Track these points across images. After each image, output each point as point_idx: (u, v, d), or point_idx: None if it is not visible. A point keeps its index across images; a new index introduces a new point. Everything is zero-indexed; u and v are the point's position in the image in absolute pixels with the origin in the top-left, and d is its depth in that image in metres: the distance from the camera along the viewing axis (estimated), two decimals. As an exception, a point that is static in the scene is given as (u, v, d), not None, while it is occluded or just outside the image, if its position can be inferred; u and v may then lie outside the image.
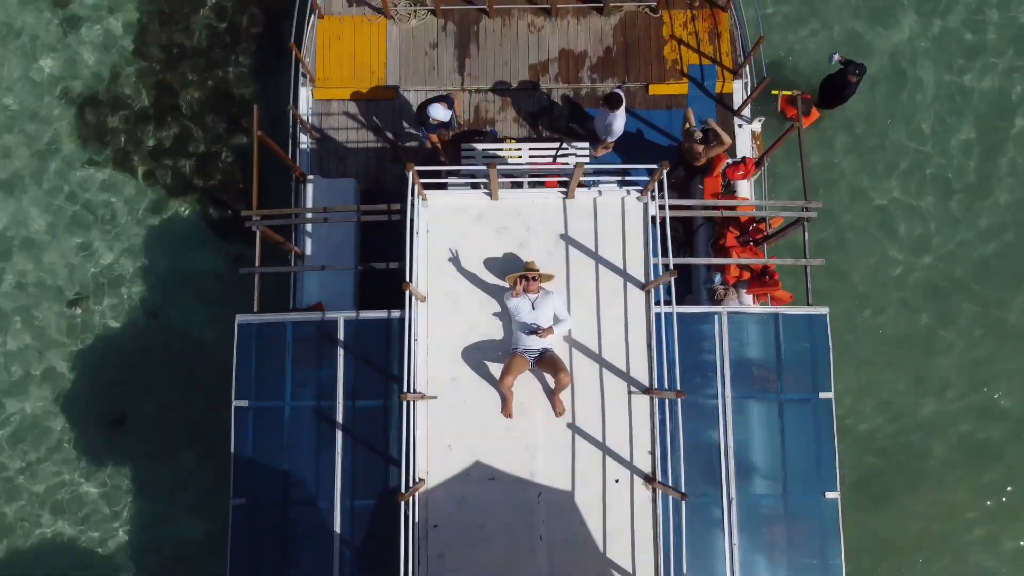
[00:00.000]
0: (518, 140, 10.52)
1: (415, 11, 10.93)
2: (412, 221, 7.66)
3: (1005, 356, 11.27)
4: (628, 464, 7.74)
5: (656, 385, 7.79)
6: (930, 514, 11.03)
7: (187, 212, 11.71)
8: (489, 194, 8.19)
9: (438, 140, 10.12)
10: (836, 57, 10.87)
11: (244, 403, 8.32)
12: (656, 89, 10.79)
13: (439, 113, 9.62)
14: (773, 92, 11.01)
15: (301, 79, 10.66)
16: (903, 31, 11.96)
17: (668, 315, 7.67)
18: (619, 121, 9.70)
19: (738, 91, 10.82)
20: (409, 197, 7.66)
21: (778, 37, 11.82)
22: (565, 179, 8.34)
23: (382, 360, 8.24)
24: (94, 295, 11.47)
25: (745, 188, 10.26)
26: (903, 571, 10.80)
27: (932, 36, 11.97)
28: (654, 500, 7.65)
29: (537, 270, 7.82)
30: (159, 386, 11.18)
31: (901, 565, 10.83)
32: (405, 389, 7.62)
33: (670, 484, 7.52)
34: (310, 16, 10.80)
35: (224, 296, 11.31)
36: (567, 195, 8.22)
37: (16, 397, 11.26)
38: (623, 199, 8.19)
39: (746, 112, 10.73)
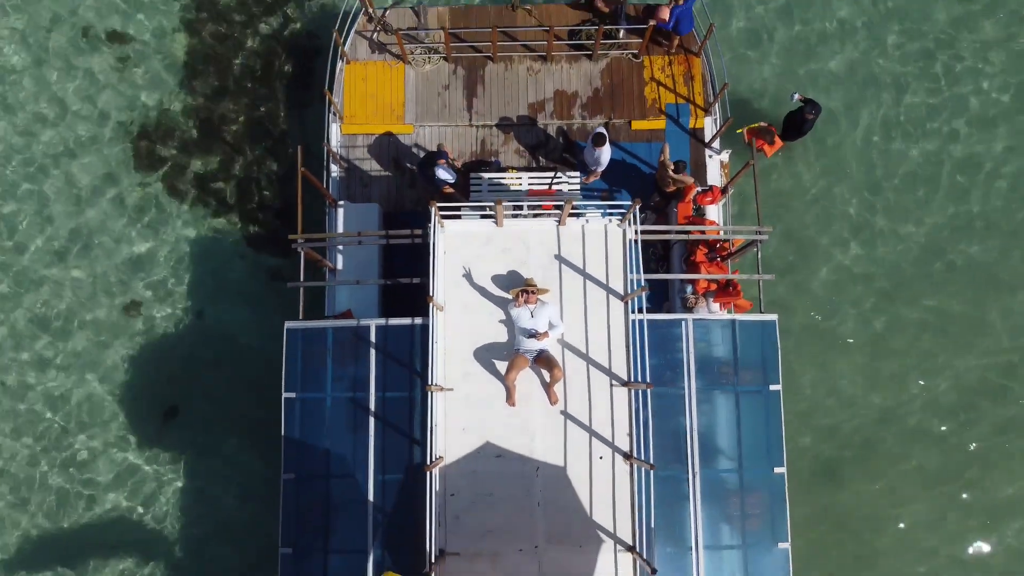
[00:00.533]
0: (519, 169, 12.22)
1: (429, 57, 12.62)
2: (434, 247, 9.37)
3: (948, 355, 12.96)
4: (610, 444, 9.44)
5: (633, 379, 9.50)
6: (878, 496, 12.72)
7: (228, 229, 13.39)
8: (495, 222, 9.90)
9: (449, 189, 11.79)
10: (796, 96, 12.54)
11: (292, 395, 10.02)
12: (638, 125, 12.49)
13: (445, 175, 11.39)
14: (739, 131, 12.70)
15: (331, 117, 12.33)
16: (849, 69, 13.69)
17: (642, 322, 9.41)
18: (604, 155, 11.41)
19: (709, 126, 12.52)
20: (432, 228, 9.37)
21: (745, 77, 13.52)
22: (560, 203, 10.07)
23: (407, 358, 9.94)
24: (149, 301, 13.16)
25: (713, 212, 11.95)
26: (848, 545, 12.50)
27: (877, 78, 13.68)
28: (631, 473, 9.35)
29: (535, 285, 9.53)
30: (208, 381, 12.87)
31: (849, 539, 12.53)
32: (429, 382, 9.32)
33: (643, 459, 9.24)
34: (339, 61, 12.48)
35: (261, 301, 13.00)
36: (560, 222, 9.93)
37: (82, 388, 12.94)
38: (606, 226, 9.91)
39: (716, 144, 12.43)
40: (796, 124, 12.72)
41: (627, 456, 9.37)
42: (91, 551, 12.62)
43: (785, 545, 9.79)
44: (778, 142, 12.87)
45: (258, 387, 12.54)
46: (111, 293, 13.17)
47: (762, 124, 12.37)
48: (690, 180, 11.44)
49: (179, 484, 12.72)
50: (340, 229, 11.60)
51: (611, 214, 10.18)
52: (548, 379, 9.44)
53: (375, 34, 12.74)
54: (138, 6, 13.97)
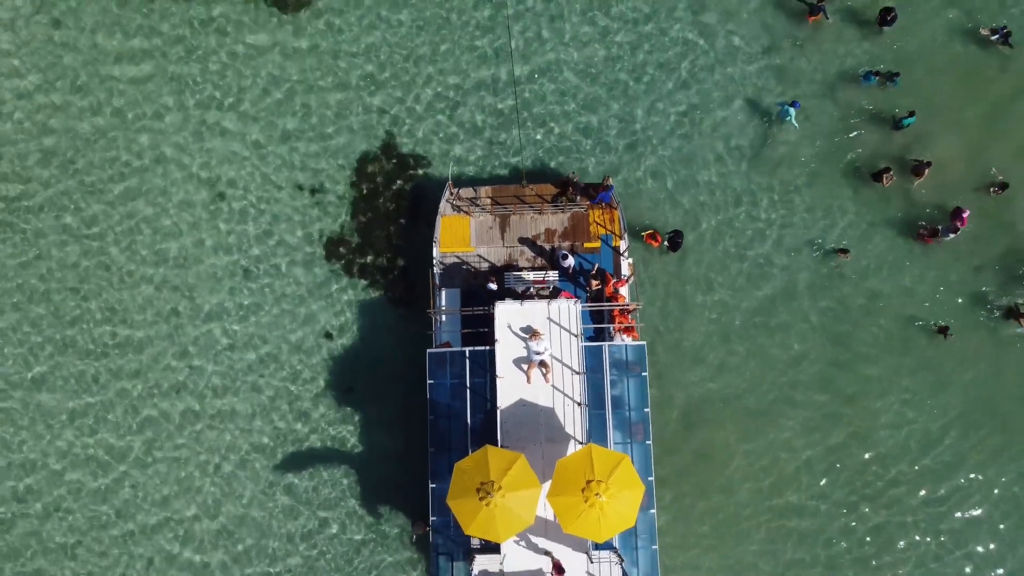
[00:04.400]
0: (528, 268, 24.67)
1: (481, 212, 25.10)
2: (494, 321, 21.93)
3: (814, 356, 25.44)
4: (572, 399, 21.96)
5: (583, 371, 22.03)
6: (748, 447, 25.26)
7: (377, 299, 25.81)
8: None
9: (494, 288, 24.24)
10: (665, 239, 25.11)
11: (432, 381, 22.52)
12: (587, 245, 25.01)
13: (492, 286, 23.91)
14: (642, 234, 25.17)
15: (435, 244, 24.73)
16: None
17: (586, 346, 22.03)
18: (570, 261, 23.97)
19: (623, 246, 25.04)
20: (494, 311, 21.90)
21: (640, 219, 26.03)
22: (552, 284, 22.58)
23: (483, 364, 22.43)
24: (340, 329, 25.58)
25: (624, 289, 24.49)
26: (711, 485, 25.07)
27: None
28: (583, 413, 21.84)
29: (538, 331, 22.04)
30: (371, 376, 25.30)
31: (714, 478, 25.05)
32: (496, 375, 21.81)
33: (587, 405, 21.82)
34: (438, 217, 24.87)
35: (399, 337, 25.43)
36: (549, 304, 22.44)
37: (317, 376, 25.38)
38: (570, 306, 22.43)
39: (625, 254, 24.93)
40: (674, 245, 25.33)
41: (579, 404, 21.92)
42: (312, 464, 25.13)
43: (649, 442, 22.37)
44: (659, 238, 25.35)
45: (403, 380, 24.97)
46: (314, 318, 25.59)
47: (652, 231, 24.97)
48: (609, 278, 24.02)
49: (352, 451, 25.20)
50: (443, 302, 24.09)
51: (573, 297, 22.74)
52: (545, 371, 21.94)
53: (454, 200, 25.22)
54: (323, 172, 26.33)
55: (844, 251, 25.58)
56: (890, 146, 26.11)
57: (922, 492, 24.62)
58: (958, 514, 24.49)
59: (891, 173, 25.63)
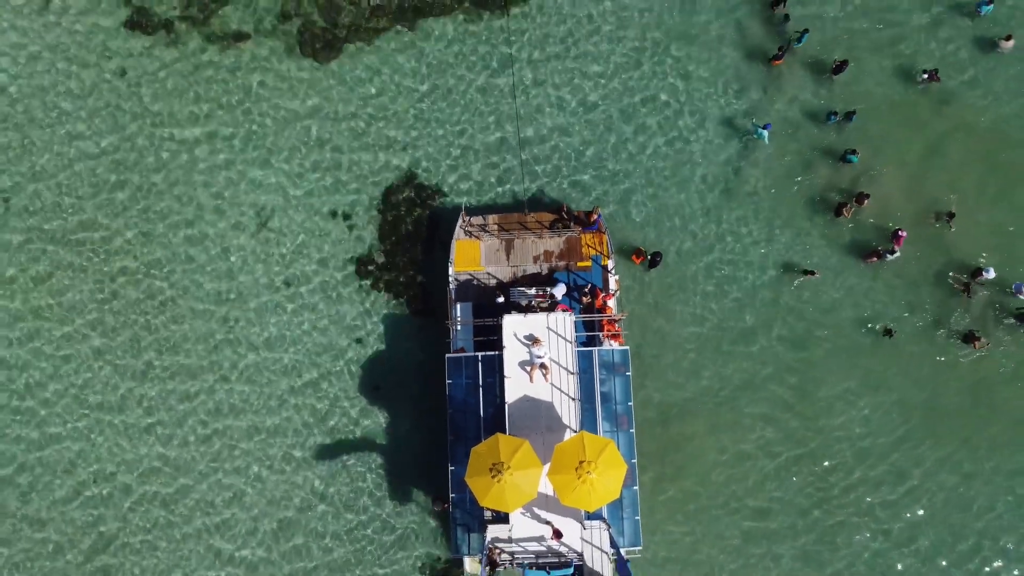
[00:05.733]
0: (531, 285, 29.00)
1: (489, 237, 29.40)
2: (502, 330, 26.26)
3: (776, 362, 29.80)
4: (568, 395, 26.30)
5: (576, 371, 26.36)
6: (716, 441, 29.62)
7: (401, 310, 30.13)
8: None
9: (501, 300, 28.63)
10: (647, 257, 29.49)
11: (450, 381, 26.85)
12: (580, 264, 29.33)
13: (500, 299, 28.29)
14: (631, 252, 29.57)
15: (450, 264, 29.04)
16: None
17: (579, 351, 26.37)
18: (561, 288, 28.28)
19: (611, 264, 29.36)
20: (502, 322, 26.24)
21: (632, 236, 30.37)
22: (551, 298, 26.92)
23: (493, 367, 26.75)
24: (368, 338, 29.93)
25: (612, 302, 28.80)
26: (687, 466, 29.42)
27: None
28: (577, 407, 26.15)
29: (540, 339, 26.37)
30: (409, 375, 29.63)
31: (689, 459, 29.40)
32: (504, 376, 26.13)
33: (580, 401, 26.15)
34: (453, 241, 29.19)
35: (420, 349, 29.74)
36: (548, 315, 26.77)
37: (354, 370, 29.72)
38: (565, 317, 26.76)
39: (612, 272, 29.25)
40: (654, 263, 29.69)
41: (573, 399, 26.25)
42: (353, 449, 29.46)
43: (632, 430, 26.70)
44: (643, 256, 29.76)
45: (424, 380, 29.29)
46: (348, 327, 29.92)
47: (639, 248, 29.32)
48: (599, 292, 28.36)
49: (381, 438, 29.53)
50: (458, 314, 28.40)
51: (568, 310, 27.08)
52: (545, 372, 26.25)
53: (466, 227, 29.53)
54: (354, 203, 30.64)
55: (811, 272, 29.88)
56: (841, 178, 30.46)
57: (871, 497, 28.86)
58: (908, 515, 28.77)
59: (849, 206, 29.96)
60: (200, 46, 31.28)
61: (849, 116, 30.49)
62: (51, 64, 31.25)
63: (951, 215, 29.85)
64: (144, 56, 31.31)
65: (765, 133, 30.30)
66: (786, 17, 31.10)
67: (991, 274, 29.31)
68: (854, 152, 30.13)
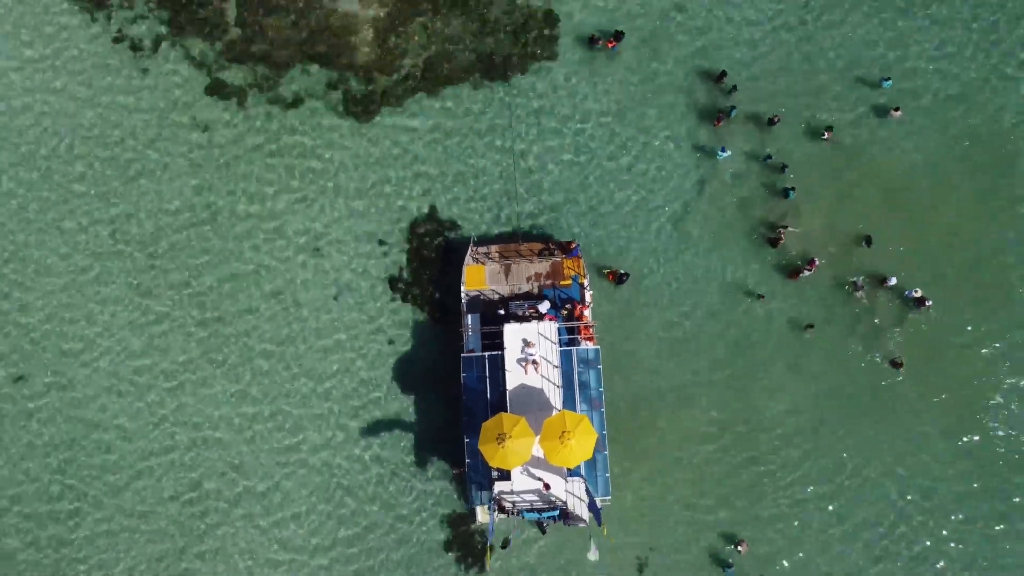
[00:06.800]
0: (524, 300, 37.57)
1: (492, 263, 37.97)
2: (503, 336, 34.88)
3: (723, 362, 38.42)
4: (553, 383, 34.87)
5: (560, 367, 34.95)
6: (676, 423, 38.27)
7: (424, 319, 38.71)
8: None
9: (503, 312, 37.20)
10: (622, 272, 38.08)
11: (464, 375, 35.48)
12: (562, 282, 37.88)
13: (501, 311, 36.91)
14: (604, 271, 38.14)
15: (462, 283, 37.59)
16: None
17: (562, 351, 35.03)
18: (546, 305, 36.90)
19: (586, 283, 37.91)
20: (504, 332, 34.86)
21: (602, 260, 38.93)
22: (539, 309, 35.53)
23: (496, 364, 35.32)
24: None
25: (587, 312, 37.38)
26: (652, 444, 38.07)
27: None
28: (560, 392, 34.75)
29: (532, 342, 34.94)
30: (418, 368, 38.24)
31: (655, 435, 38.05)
32: (505, 370, 34.70)
33: (561, 387, 34.80)
34: (464, 267, 37.72)
35: (440, 349, 38.33)
36: (538, 323, 35.35)
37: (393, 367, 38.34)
38: (550, 324, 35.36)
39: (588, 291, 37.80)
40: (622, 281, 38.32)
41: (557, 386, 34.85)
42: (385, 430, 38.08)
43: (602, 410, 35.36)
44: (612, 276, 38.47)
45: (443, 374, 37.86)
46: (382, 330, 38.49)
47: (612, 268, 37.94)
48: (577, 305, 36.98)
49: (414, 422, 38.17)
50: (469, 323, 36.96)
51: (553, 320, 35.65)
52: (536, 367, 34.81)
53: (474, 254, 38.07)
54: (388, 233, 39.16)
55: (761, 296, 38.47)
56: (779, 209, 38.97)
57: (810, 488, 37.60)
58: (831, 505, 37.61)
59: (780, 239, 38.51)
60: (267, 110, 39.71)
61: (783, 168, 39.07)
62: (143, 119, 39.66)
63: (868, 238, 38.42)
64: (223, 111, 39.76)
65: (724, 154, 38.76)
66: (734, 88, 39.49)
67: (893, 281, 37.98)
68: (792, 188, 38.70)
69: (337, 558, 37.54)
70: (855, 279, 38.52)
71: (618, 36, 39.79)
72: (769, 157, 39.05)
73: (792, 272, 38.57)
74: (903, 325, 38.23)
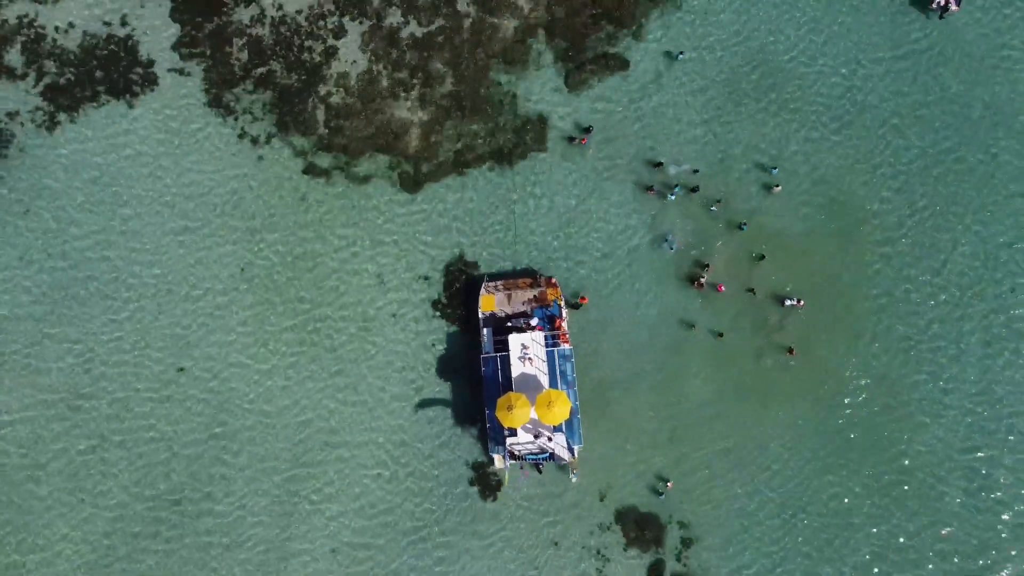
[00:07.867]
0: (521, 318, 55.65)
1: (499, 290, 56.07)
2: (509, 347, 53.08)
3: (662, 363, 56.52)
4: (544, 372, 53.00)
5: (547, 361, 53.06)
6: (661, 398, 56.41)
7: (455, 330, 56.75)
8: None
9: (508, 325, 55.31)
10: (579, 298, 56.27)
11: (483, 368, 53.69)
12: (547, 304, 56.00)
13: (509, 324, 55.13)
14: (579, 299, 56.29)
15: (478, 307, 55.58)
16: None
17: (548, 350, 53.35)
18: (536, 320, 55.09)
19: (563, 304, 55.98)
20: (510, 342, 53.06)
21: (575, 286, 57.04)
22: (533, 323, 53.69)
23: (506, 361, 53.42)
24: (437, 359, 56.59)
25: (564, 323, 55.50)
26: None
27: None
28: (547, 380, 52.86)
29: (527, 346, 53.07)
30: (452, 365, 56.31)
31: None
32: (511, 364, 52.78)
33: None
34: (479, 296, 55.72)
35: (466, 351, 56.35)
36: (532, 333, 53.51)
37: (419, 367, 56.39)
38: (540, 334, 53.56)
39: (563, 307, 55.86)
40: (575, 308, 56.58)
41: (545, 374, 52.98)
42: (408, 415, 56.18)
43: (575, 389, 53.58)
44: (585, 301, 56.75)
45: (468, 369, 55.78)
46: (417, 337, 56.50)
47: (582, 297, 56.18)
48: (557, 319, 55.23)
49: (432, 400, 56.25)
50: (484, 335, 55.01)
51: (540, 331, 53.86)
52: (531, 362, 52.88)
53: (486, 287, 56.11)
54: (432, 271, 57.13)
55: (720, 334, 56.67)
56: (735, 241, 57.18)
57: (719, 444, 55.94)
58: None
59: (703, 280, 56.76)
60: (346, 185, 57.52)
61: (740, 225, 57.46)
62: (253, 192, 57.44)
63: (762, 256, 56.73)
64: (317, 186, 57.57)
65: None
66: (695, 171, 57.57)
67: (795, 301, 56.43)
68: (745, 223, 56.91)
69: (406, 481, 55.57)
70: (790, 298, 56.67)
71: (588, 130, 57.91)
72: (718, 202, 57.08)
73: (697, 284, 56.67)
74: (787, 321, 56.57)
